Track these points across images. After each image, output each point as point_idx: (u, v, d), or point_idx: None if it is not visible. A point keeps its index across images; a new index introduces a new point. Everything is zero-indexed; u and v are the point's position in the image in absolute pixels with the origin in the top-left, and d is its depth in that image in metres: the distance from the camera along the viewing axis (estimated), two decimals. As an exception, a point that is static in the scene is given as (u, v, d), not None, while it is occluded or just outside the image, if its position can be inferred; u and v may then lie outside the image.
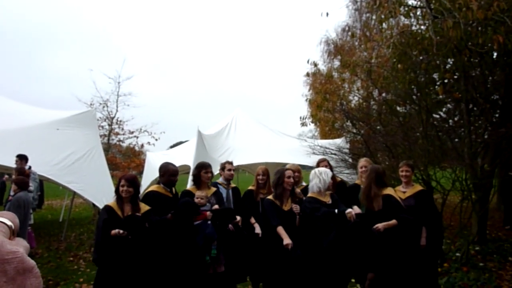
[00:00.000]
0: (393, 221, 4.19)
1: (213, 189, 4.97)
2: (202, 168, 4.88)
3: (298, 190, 4.89)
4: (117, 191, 4.13)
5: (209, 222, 4.52)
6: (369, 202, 4.40)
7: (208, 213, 4.55)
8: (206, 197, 4.65)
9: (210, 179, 4.98)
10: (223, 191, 5.15)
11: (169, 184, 4.62)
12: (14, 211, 5.53)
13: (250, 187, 5.35)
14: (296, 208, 4.44)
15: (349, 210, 4.14)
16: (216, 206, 4.69)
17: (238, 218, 4.86)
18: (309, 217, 4.28)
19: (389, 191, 4.50)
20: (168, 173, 4.61)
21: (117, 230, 3.82)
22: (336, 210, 4.21)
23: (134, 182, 4.14)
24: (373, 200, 4.38)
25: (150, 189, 4.67)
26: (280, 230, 4.19)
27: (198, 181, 4.85)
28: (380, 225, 4.16)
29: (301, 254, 4.13)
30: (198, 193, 4.64)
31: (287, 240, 4.09)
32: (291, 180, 4.46)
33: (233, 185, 5.35)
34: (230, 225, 4.75)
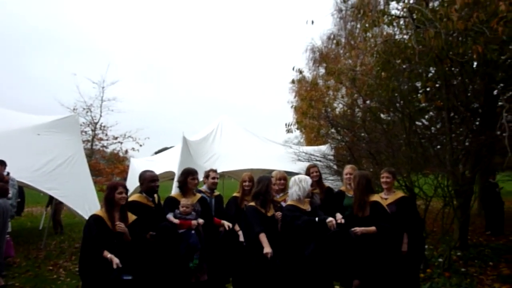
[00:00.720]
0: (372, 228, 4.23)
1: (198, 195, 4.92)
2: (189, 174, 4.81)
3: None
4: (110, 199, 3.93)
5: (193, 231, 4.48)
6: (361, 209, 4.41)
7: (193, 222, 4.50)
8: (191, 205, 4.60)
9: (196, 186, 4.94)
10: (206, 199, 5.10)
11: (149, 191, 4.53)
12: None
13: (235, 194, 5.32)
14: (278, 215, 4.44)
15: (329, 218, 4.11)
16: (200, 220, 4.62)
17: (227, 224, 4.83)
18: (289, 225, 4.27)
19: (376, 197, 4.55)
20: (146, 180, 4.52)
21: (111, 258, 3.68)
22: (316, 219, 4.19)
23: (127, 189, 4.06)
24: (363, 207, 4.41)
25: (130, 198, 4.57)
26: (262, 237, 4.16)
27: (184, 188, 4.79)
28: (358, 229, 4.22)
29: (279, 264, 4.10)
30: (183, 202, 4.57)
31: (267, 249, 4.07)
32: (276, 187, 4.46)
33: (217, 193, 5.30)
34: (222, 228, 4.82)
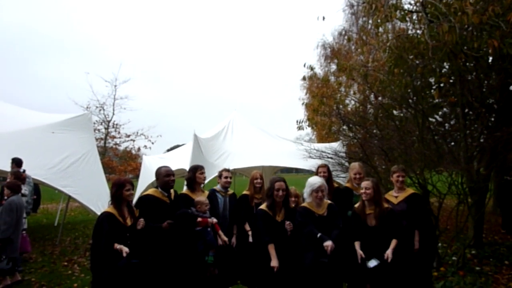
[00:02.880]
0: (394, 242, 4.14)
1: (206, 192, 4.99)
2: (197, 169, 4.90)
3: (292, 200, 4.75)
4: (118, 196, 4.00)
5: (209, 229, 4.52)
6: (376, 219, 4.29)
7: (209, 220, 4.53)
8: (207, 204, 4.63)
9: (204, 180, 4.98)
10: (221, 198, 5.12)
11: (165, 186, 4.56)
12: (6, 215, 5.51)
13: (245, 192, 5.33)
14: (289, 225, 4.27)
15: (327, 243, 3.90)
16: (214, 220, 4.64)
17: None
18: (296, 230, 4.22)
19: (387, 196, 4.50)
20: (162, 174, 4.56)
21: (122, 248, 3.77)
22: (318, 234, 4.02)
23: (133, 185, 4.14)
24: (373, 217, 4.32)
25: (146, 192, 4.62)
26: (271, 249, 4.08)
27: (193, 183, 4.84)
28: (389, 253, 4.07)
29: (287, 274, 4.07)
30: (199, 199, 4.59)
31: (274, 263, 4.01)
32: (280, 193, 4.26)
33: (230, 191, 5.32)
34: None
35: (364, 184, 4.35)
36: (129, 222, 4.00)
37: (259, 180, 5.23)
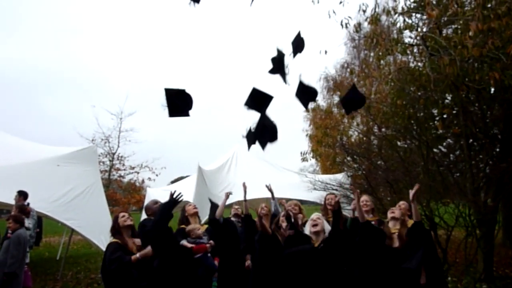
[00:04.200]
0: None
1: (205, 226, 5.01)
2: (185, 204, 4.95)
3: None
4: (116, 227, 4.08)
5: (209, 254, 4.48)
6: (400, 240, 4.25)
7: (207, 245, 4.48)
8: (198, 228, 4.59)
9: (196, 212, 4.93)
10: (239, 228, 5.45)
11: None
12: (13, 249, 5.47)
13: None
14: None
15: None
16: (212, 242, 4.61)
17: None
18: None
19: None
20: (151, 210, 4.66)
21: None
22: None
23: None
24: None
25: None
26: None
27: (184, 218, 4.85)
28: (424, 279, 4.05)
29: None
30: (189, 229, 4.56)
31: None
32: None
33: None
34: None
35: (363, 198, 4.44)
36: (134, 250, 4.01)
37: (264, 212, 5.38)
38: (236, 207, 5.54)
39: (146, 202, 12.54)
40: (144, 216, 9.70)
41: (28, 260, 6.66)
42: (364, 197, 4.47)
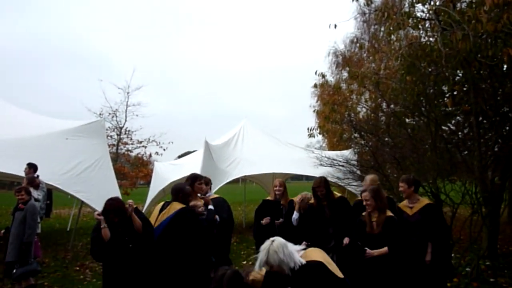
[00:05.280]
0: (385, 249, 4.03)
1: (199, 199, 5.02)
2: (196, 179, 4.86)
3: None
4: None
5: (210, 206, 4.77)
6: (378, 227, 4.18)
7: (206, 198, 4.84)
8: (200, 205, 4.64)
9: (202, 192, 4.95)
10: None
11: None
12: (30, 219, 5.62)
13: (268, 198, 5.69)
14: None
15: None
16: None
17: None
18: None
19: (400, 206, 4.51)
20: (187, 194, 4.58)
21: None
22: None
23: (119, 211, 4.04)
24: (376, 224, 4.24)
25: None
26: None
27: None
28: (371, 252, 4.02)
29: None
30: (191, 204, 4.59)
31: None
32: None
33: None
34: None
35: (364, 195, 4.32)
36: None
37: (277, 188, 5.43)
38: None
39: (154, 176, 12.69)
40: (156, 188, 9.71)
41: (39, 231, 6.84)
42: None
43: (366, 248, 4.07)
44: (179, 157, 20.46)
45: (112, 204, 4.04)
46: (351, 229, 4.42)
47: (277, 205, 5.42)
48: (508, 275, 6.24)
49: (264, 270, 3.21)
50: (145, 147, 22.20)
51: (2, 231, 6.04)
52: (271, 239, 3.10)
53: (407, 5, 6.86)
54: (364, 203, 4.26)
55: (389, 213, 4.23)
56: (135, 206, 4.22)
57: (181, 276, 4.08)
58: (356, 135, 9.10)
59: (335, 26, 7.00)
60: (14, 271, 5.59)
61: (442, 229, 4.60)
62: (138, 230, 4.02)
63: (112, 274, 3.99)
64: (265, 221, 5.27)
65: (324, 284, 3.01)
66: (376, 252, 4.02)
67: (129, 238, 3.97)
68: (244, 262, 4.97)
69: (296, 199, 5.18)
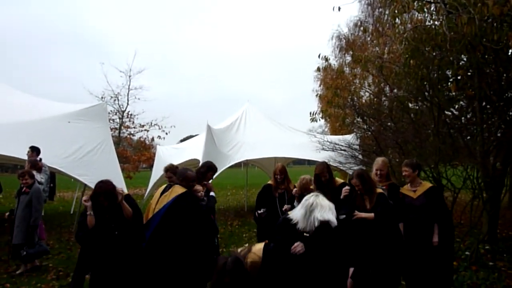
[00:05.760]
0: (371, 214, 4.06)
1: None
2: (211, 169, 5.03)
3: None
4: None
5: (212, 193, 4.89)
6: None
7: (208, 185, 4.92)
8: (201, 190, 4.70)
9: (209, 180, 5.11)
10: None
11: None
12: (36, 203, 5.68)
13: (269, 182, 5.61)
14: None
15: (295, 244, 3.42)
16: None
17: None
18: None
19: (403, 190, 4.60)
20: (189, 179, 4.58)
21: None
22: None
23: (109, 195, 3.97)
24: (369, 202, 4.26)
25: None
26: None
27: (202, 179, 4.90)
28: (359, 214, 4.08)
29: None
30: (196, 187, 4.66)
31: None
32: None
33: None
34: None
35: (353, 182, 4.34)
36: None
37: (279, 176, 5.39)
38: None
39: (156, 160, 12.74)
40: (159, 171, 9.69)
41: (43, 214, 6.92)
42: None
43: (355, 210, 4.14)
44: (181, 141, 20.49)
45: (102, 187, 3.94)
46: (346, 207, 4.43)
47: (281, 197, 5.37)
48: (507, 259, 6.30)
49: (260, 250, 3.36)
50: (147, 130, 22.25)
51: (7, 214, 6.12)
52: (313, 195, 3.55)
53: (412, -13, 6.74)
54: (356, 188, 4.30)
55: (379, 190, 4.30)
56: (126, 193, 4.20)
57: (183, 259, 4.12)
58: (358, 119, 9.08)
59: (339, 8, 6.90)
60: (25, 253, 5.69)
61: (446, 212, 4.65)
62: (127, 217, 3.98)
63: (97, 261, 3.95)
64: (261, 212, 5.27)
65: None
66: (363, 214, 4.08)
67: (115, 225, 3.93)
68: (246, 245, 5.00)
69: (296, 190, 5.15)
